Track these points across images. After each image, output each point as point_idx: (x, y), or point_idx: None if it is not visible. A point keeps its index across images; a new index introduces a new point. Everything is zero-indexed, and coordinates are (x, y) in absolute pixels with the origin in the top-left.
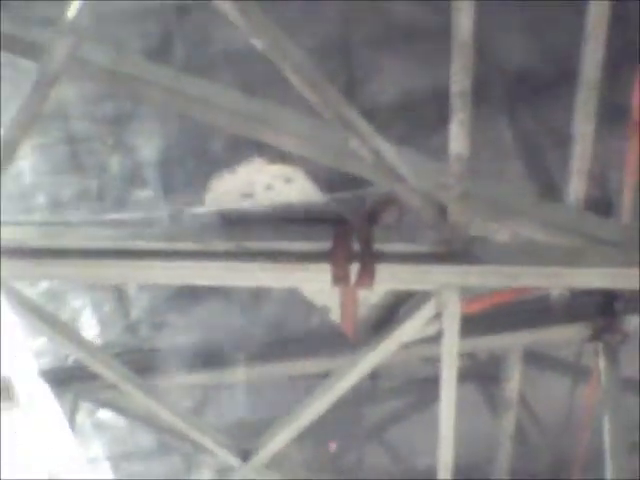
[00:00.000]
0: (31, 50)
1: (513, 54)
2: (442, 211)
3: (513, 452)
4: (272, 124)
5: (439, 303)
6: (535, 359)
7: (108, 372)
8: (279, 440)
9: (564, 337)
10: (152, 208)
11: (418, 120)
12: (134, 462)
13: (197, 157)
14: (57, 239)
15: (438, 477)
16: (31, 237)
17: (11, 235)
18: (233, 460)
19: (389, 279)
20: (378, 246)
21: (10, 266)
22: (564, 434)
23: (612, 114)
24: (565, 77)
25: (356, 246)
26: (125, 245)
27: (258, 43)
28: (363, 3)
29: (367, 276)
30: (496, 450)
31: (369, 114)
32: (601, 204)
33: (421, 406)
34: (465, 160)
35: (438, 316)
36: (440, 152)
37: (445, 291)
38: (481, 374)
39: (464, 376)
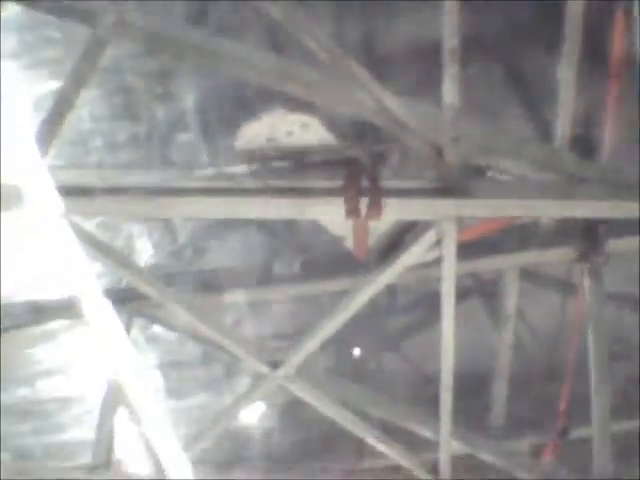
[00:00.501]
0: (85, 16)
1: (510, 14)
2: (439, 152)
3: (512, 359)
4: (294, 78)
5: (439, 231)
6: (530, 277)
7: (155, 292)
8: (305, 350)
9: (554, 259)
10: (193, 150)
11: (425, 71)
12: (181, 370)
13: (232, 105)
14: (112, 180)
15: (442, 380)
16: (89, 178)
17: (71, 176)
18: (265, 369)
19: (395, 211)
20: (385, 183)
21: (71, 203)
22: (557, 343)
23: (594, 63)
24: (555, 31)
25: (365, 183)
26: (171, 184)
27: (276, 14)
28: None
29: (375, 209)
30: (497, 357)
31: (382, 63)
32: (585, 144)
33: (433, 319)
34: (457, 108)
35: (439, 243)
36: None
37: (444, 221)
38: (484, 291)
39: (469, 293)
